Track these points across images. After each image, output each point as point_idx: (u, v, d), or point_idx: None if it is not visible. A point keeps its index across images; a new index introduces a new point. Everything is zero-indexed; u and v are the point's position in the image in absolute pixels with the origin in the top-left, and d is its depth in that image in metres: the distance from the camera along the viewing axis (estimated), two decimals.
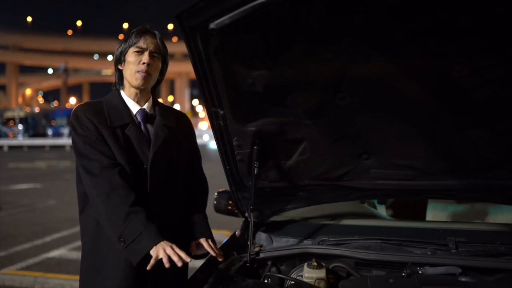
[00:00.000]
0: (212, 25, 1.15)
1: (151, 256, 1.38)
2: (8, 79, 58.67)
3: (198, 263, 1.61)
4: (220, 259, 1.55)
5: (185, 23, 1.18)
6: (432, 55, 1.12)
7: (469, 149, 1.36)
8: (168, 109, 1.77)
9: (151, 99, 1.71)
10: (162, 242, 1.40)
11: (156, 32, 1.66)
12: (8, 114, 34.44)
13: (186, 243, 1.62)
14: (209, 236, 1.64)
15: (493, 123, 1.27)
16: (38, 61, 60.33)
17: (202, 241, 1.61)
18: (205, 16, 1.14)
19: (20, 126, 32.22)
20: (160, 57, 1.64)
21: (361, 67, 1.20)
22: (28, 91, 64.70)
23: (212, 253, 1.57)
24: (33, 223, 6.34)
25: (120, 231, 1.42)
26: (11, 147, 26.87)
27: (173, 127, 1.69)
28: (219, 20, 1.13)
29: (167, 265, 1.34)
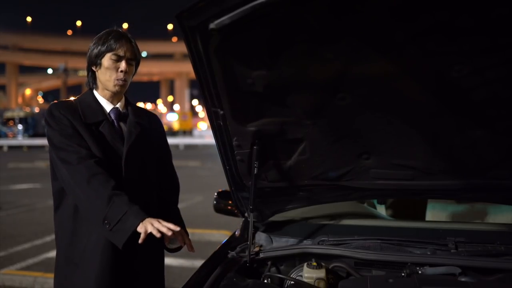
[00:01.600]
0: (212, 25, 1.15)
1: (136, 237, 1.41)
2: (8, 79, 58.67)
3: (198, 263, 1.61)
4: (191, 251, 1.57)
5: (185, 23, 1.18)
6: (432, 55, 1.12)
7: (469, 149, 1.36)
8: (140, 109, 1.84)
9: (123, 98, 1.78)
10: (147, 218, 1.44)
11: (130, 36, 1.71)
12: (8, 114, 34.45)
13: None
14: (182, 229, 1.64)
15: (493, 123, 1.27)
16: (38, 61, 60.33)
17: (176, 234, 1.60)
18: (205, 16, 1.14)
19: (20, 126, 32.23)
20: (135, 62, 1.71)
21: (361, 67, 1.20)
22: (28, 91, 64.71)
23: (185, 244, 1.57)
24: (33, 223, 6.34)
25: (104, 213, 1.46)
26: (11, 147, 26.88)
27: (145, 125, 1.76)
28: (219, 20, 1.13)
29: (158, 235, 1.39)
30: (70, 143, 1.56)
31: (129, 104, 1.81)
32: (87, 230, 1.60)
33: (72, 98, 1.76)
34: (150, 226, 1.40)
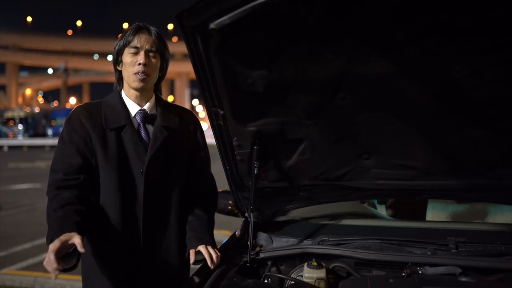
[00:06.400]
0: (212, 25, 1.15)
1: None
2: (8, 79, 58.67)
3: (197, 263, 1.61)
4: (210, 265, 1.48)
5: (185, 23, 1.18)
6: (432, 55, 1.12)
7: (469, 149, 1.36)
8: (171, 107, 1.69)
9: (153, 98, 1.65)
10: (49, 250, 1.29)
11: (152, 28, 1.58)
12: (8, 114, 34.43)
13: (185, 248, 1.59)
14: (208, 242, 1.55)
15: (493, 123, 1.27)
16: (38, 61, 60.33)
17: (201, 248, 1.52)
18: (205, 16, 1.14)
19: (20, 126, 32.22)
20: (158, 54, 1.57)
21: (361, 67, 1.20)
22: (28, 91, 64.75)
23: (208, 261, 1.49)
24: (33, 223, 6.34)
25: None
26: (11, 147, 26.88)
27: (175, 128, 1.62)
28: (219, 20, 1.13)
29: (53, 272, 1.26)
30: (64, 168, 1.49)
31: (160, 103, 1.66)
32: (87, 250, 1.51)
33: (102, 100, 1.65)
34: (46, 263, 1.26)
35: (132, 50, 1.54)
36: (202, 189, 1.73)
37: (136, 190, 1.53)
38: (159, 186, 1.57)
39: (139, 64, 1.52)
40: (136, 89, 1.58)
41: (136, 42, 1.53)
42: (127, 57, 1.55)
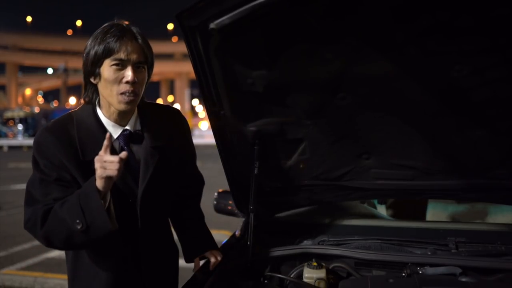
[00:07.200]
0: (212, 25, 1.15)
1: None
2: (8, 79, 58.65)
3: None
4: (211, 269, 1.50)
5: (185, 23, 1.18)
6: (432, 55, 1.12)
7: (469, 149, 1.36)
8: (155, 114, 1.41)
9: (136, 111, 1.37)
10: (94, 177, 1.16)
11: (136, 30, 1.27)
12: (8, 114, 34.42)
13: (190, 255, 1.57)
14: (215, 247, 1.57)
15: (493, 123, 1.27)
16: (38, 61, 60.31)
17: (212, 259, 1.54)
18: (205, 16, 1.14)
19: (20, 126, 32.20)
20: (146, 66, 1.28)
21: (361, 67, 1.20)
22: (28, 91, 64.72)
23: (212, 264, 1.52)
24: None
25: (72, 221, 1.18)
26: (11, 147, 26.86)
27: (164, 143, 1.38)
28: (219, 20, 1.13)
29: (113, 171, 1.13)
30: (46, 201, 1.23)
31: (142, 112, 1.38)
32: (87, 274, 1.36)
33: (71, 112, 1.34)
34: (101, 170, 1.13)
35: (116, 63, 1.22)
36: (192, 189, 1.65)
37: (129, 221, 1.32)
38: (153, 213, 1.39)
39: (127, 82, 1.23)
40: (121, 110, 1.29)
41: (121, 53, 1.21)
42: (108, 71, 1.23)
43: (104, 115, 1.32)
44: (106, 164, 1.14)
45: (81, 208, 1.17)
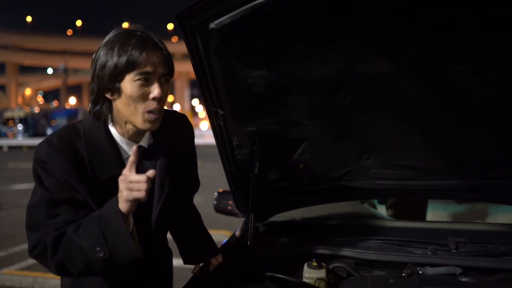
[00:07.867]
0: (212, 25, 1.15)
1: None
2: (8, 79, 58.66)
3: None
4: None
5: (185, 22, 1.18)
6: (432, 55, 1.12)
7: (469, 149, 1.36)
8: (168, 126, 1.27)
9: None
10: (117, 197, 1.06)
11: (158, 39, 1.14)
12: (8, 114, 34.42)
13: (191, 262, 1.53)
14: (217, 252, 1.53)
15: (493, 123, 1.27)
16: (38, 61, 60.32)
17: (213, 261, 1.52)
18: (205, 16, 1.14)
19: (20, 126, 32.20)
20: (170, 76, 1.16)
21: (361, 67, 1.20)
22: (28, 91, 64.73)
23: (212, 267, 1.51)
24: None
25: (90, 247, 1.07)
26: (11, 147, 26.87)
27: (177, 156, 1.29)
28: (219, 20, 1.13)
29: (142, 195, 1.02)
30: (56, 223, 1.12)
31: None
32: None
33: (76, 125, 1.19)
34: (128, 192, 1.02)
35: (141, 78, 1.09)
36: (189, 190, 1.58)
37: (143, 235, 1.20)
38: (165, 222, 1.34)
39: (154, 98, 1.10)
40: (144, 130, 1.17)
41: (148, 66, 1.08)
42: (132, 86, 1.09)
43: (118, 132, 1.19)
44: (132, 185, 1.02)
45: (103, 234, 1.06)
